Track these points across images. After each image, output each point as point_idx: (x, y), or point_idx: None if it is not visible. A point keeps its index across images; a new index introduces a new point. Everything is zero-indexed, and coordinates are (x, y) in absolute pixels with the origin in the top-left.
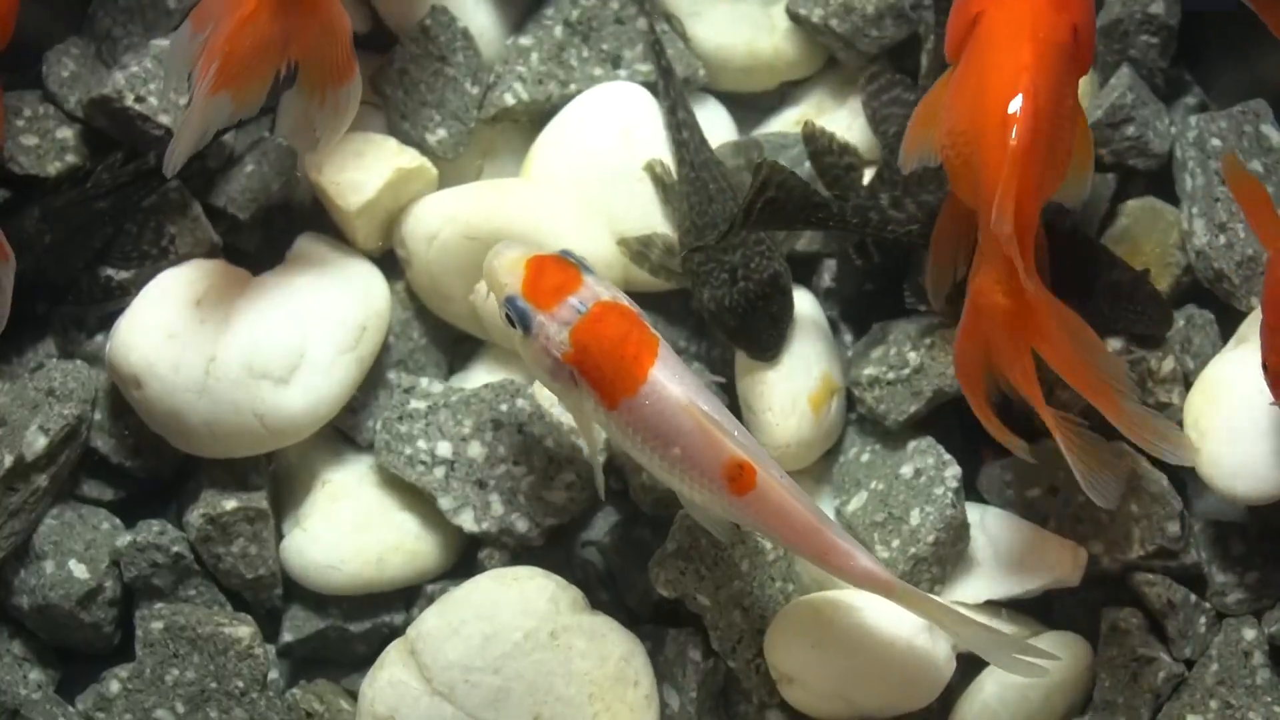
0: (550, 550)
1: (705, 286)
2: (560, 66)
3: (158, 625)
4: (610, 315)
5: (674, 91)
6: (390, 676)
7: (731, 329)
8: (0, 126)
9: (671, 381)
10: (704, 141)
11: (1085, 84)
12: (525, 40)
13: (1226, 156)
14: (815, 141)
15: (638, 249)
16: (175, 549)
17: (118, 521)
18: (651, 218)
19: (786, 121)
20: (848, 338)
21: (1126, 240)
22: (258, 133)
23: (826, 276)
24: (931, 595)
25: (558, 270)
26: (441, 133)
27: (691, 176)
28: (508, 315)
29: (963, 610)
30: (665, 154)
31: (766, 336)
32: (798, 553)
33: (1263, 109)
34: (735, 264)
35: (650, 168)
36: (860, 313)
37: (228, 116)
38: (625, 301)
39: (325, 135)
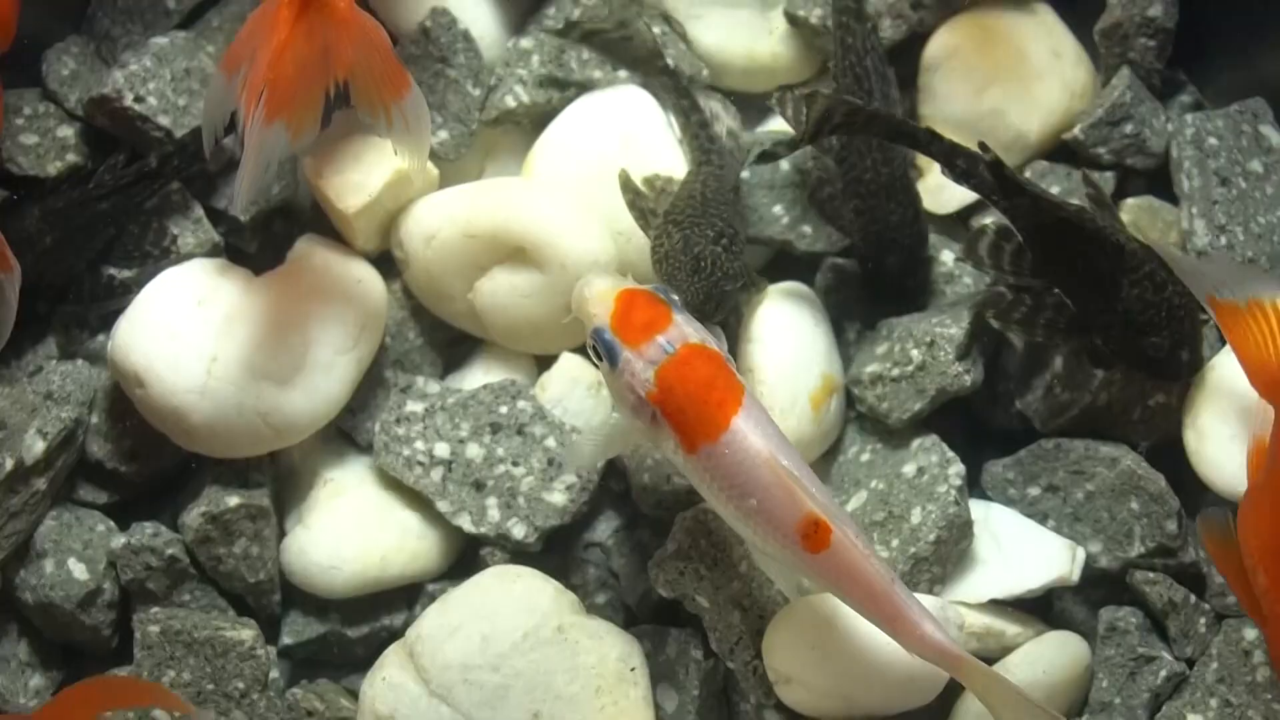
0: (550, 552)
1: (682, 231)
2: (560, 69)
3: (154, 629)
4: (697, 359)
5: (689, 106)
6: (389, 677)
7: (677, 270)
8: None
9: (754, 432)
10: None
11: (1086, 84)
12: (526, 42)
13: (1201, 519)
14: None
15: (635, 187)
16: (170, 552)
17: (113, 524)
18: None
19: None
20: (849, 336)
21: None
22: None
23: (828, 276)
24: (1005, 677)
25: (648, 306)
26: (443, 134)
27: (713, 171)
28: (594, 347)
29: (1032, 701)
30: (664, 153)
31: (703, 300)
32: (865, 615)
33: (1261, 108)
34: (724, 231)
35: (625, 179)
36: (860, 312)
37: (286, 145)
38: (714, 345)
39: (408, 156)
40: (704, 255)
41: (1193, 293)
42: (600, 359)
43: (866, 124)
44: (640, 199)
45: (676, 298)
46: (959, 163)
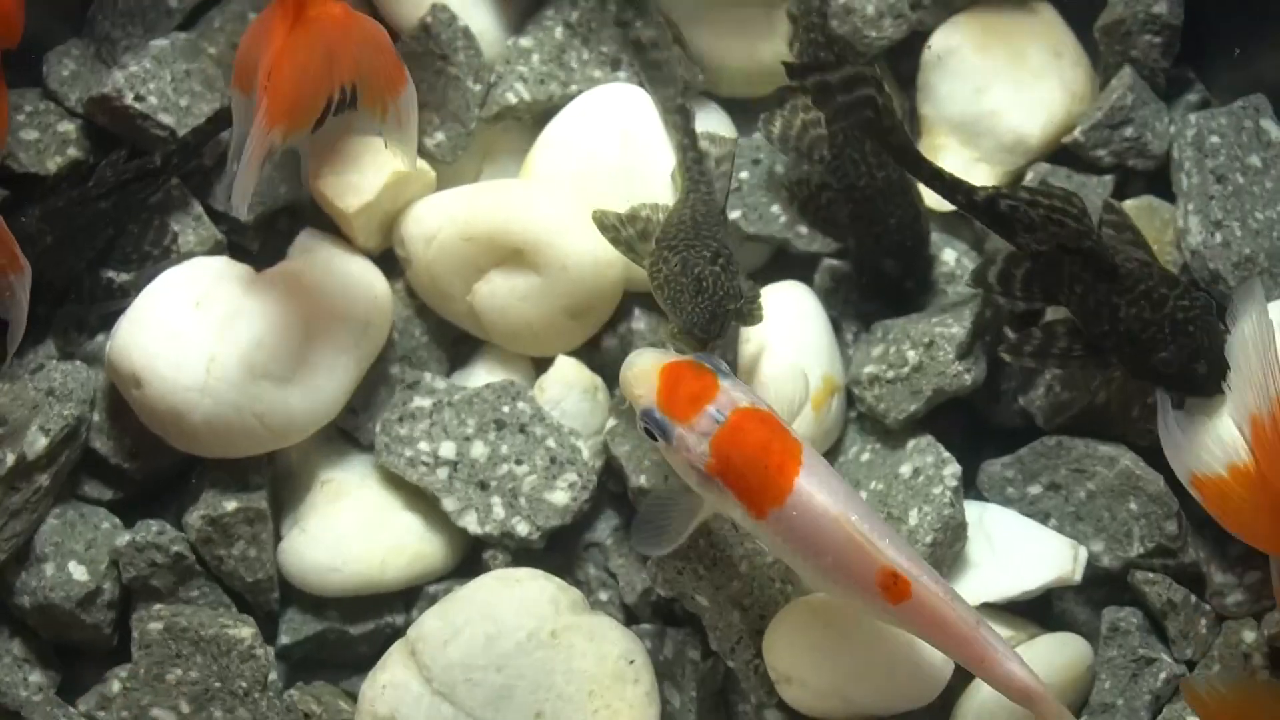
0: (551, 552)
1: (679, 254)
2: (560, 68)
3: (156, 626)
4: (749, 423)
5: (698, 143)
6: (390, 677)
7: (680, 292)
8: (4, 125)
9: (819, 490)
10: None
11: (1086, 84)
12: (525, 41)
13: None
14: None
15: (613, 223)
16: (175, 549)
17: (117, 521)
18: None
19: None
20: (848, 336)
21: None
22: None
23: (826, 276)
24: None
25: (693, 378)
26: (440, 136)
27: (701, 197)
28: (645, 428)
29: None
30: (662, 154)
31: (709, 319)
32: (953, 657)
33: (1262, 104)
34: (720, 252)
35: (600, 218)
36: (858, 312)
37: (277, 146)
38: (764, 406)
39: (399, 149)
40: (704, 275)
41: (1202, 302)
42: (654, 438)
43: (881, 130)
44: (622, 231)
45: (723, 365)
46: (959, 198)
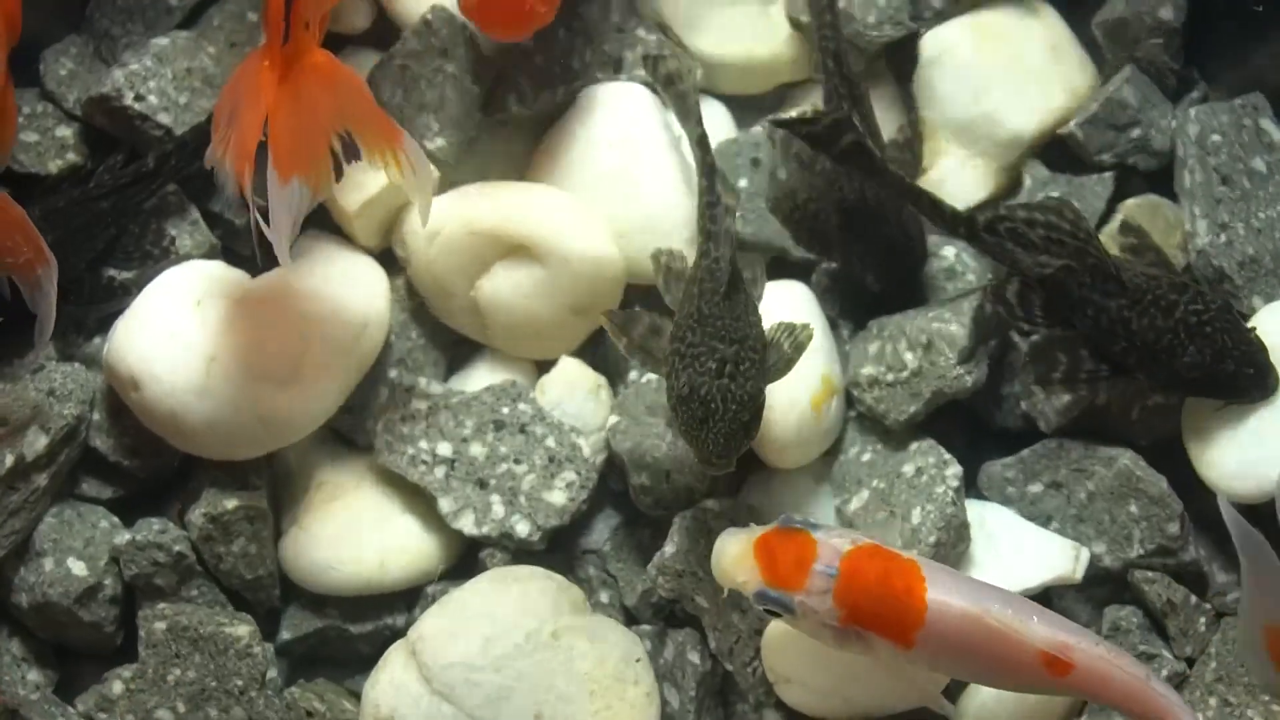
0: (551, 552)
1: (686, 370)
2: (562, 69)
3: (160, 625)
4: (862, 563)
5: (715, 185)
6: (390, 677)
7: (690, 421)
8: (12, 124)
9: (953, 597)
10: (729, 235)
11: (1086, 84)
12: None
13: None
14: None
15: (620, 321)
16: (177, 548)
17: (116, 520)
18: (651, 218)
19: None
20: (845, 333)
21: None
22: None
23: (824, 276)
24: None
25: (788, 544)
26: (440, 140)
27: (709, 266)
28: (765, 610)
29: None
30: (662, 153)
31: (724, 444)
32: (1129, 716)
33: (1260, 103)
34: (728, 357)
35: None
36: (858, 311)
37: (308, 199)
38: (864, 539)
39: (416, 199)
40: (711, 397)
41: (1218, 303)
42: (778, 615)
43: (875, 170)
44: (633, 337)
45: (803, 518)
46: (960, 230)
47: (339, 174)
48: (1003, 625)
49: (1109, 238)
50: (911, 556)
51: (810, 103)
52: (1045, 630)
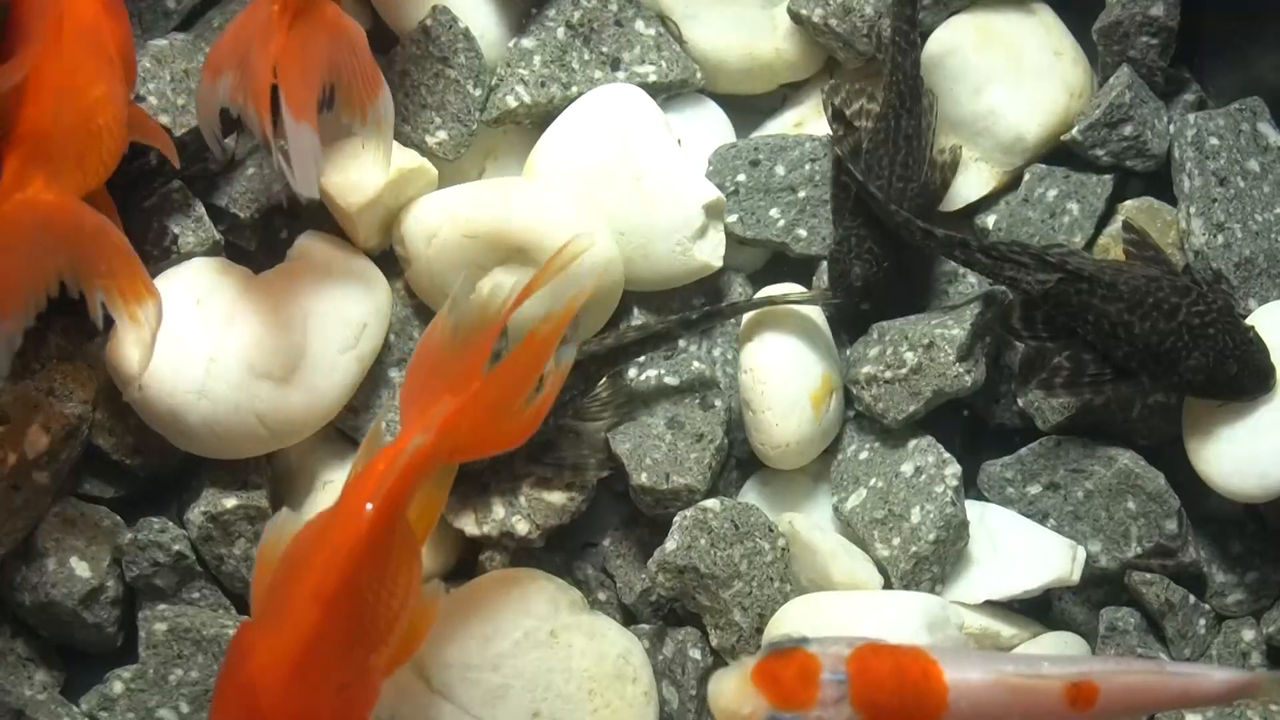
0: (550, 551)
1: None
2: (562, 69)
3: (161, 626)
4: (870, 661)
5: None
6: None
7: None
8: (131, 74)
9: (968, 670)
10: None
11: (1084, 83)
12: (527, 42)
13: None
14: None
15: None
16: (176, 548)
17: (119, 519)
18: (650, 218)
19: (785, 124)
20: (843, 336)
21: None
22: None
23: (823, 277)
24: None
25: (787, 664)
26: (442, 135)
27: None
28: None
29: None
30: (663, 153)
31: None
32: (1166, 709)
33: (1259, 106)
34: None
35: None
36: (856, 311)
37: (317, 144)
38: (861, 639)
39: (374, 152)
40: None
41: (1219, 304)
42: None
43: (866, 196)
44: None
45: (803, 638)
46: (957, 254)
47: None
48: (1022, 680)
49: (1111, 239)
50: (916, 644)
51: (811, 103)
52: (1058, 669)
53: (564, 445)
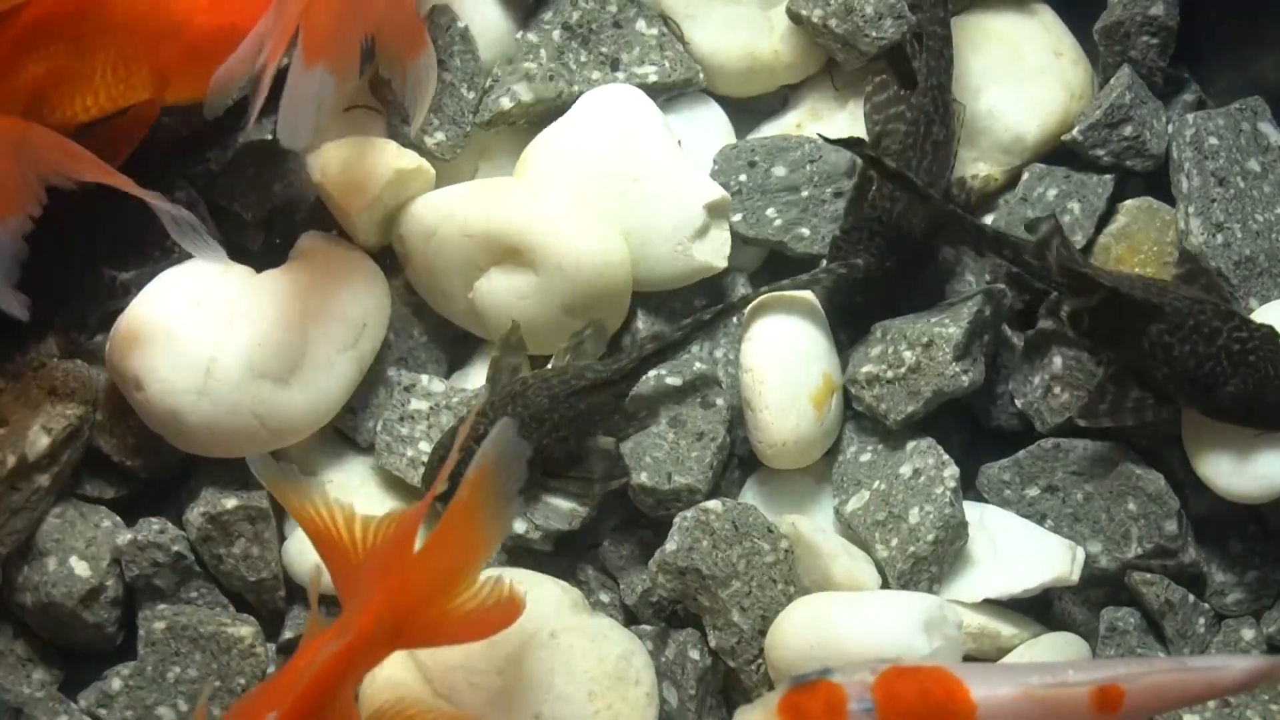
0: (552, 553)
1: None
2: (561, 69)
3: (160, 625)
4: (895, 686)
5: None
6: (391, 677)
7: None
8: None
9: (992, 685)
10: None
11: (1084, 84)
12: (533, 37)
13: None
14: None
15: (570, 344)
16: (176, 548)
17: (119, 519)
18: (650, 219)
19: (786, 125)
20: (843, 336)
21: (1124, 240)
22: (259, 134)
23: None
24: None
25: (812, 696)
26: (440, 135)
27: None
28: None
29: None
30: (661, 153)
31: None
32: (1191, 703)
33: (1259, 106)
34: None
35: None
36: (856, 311)
37: (331, 88)
38: (884, 664)
39: (413, 109)
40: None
41: (1263, 331)
42: None
43: (911, 192)
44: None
45: (825, 669)
46: (1005, 252)
47: (362, 71)
48: (1049, 690)
49: (1112, 239)
50: (936, 664)
51: (811, 104)
52: (1083, 674)
53: (593, 461)
